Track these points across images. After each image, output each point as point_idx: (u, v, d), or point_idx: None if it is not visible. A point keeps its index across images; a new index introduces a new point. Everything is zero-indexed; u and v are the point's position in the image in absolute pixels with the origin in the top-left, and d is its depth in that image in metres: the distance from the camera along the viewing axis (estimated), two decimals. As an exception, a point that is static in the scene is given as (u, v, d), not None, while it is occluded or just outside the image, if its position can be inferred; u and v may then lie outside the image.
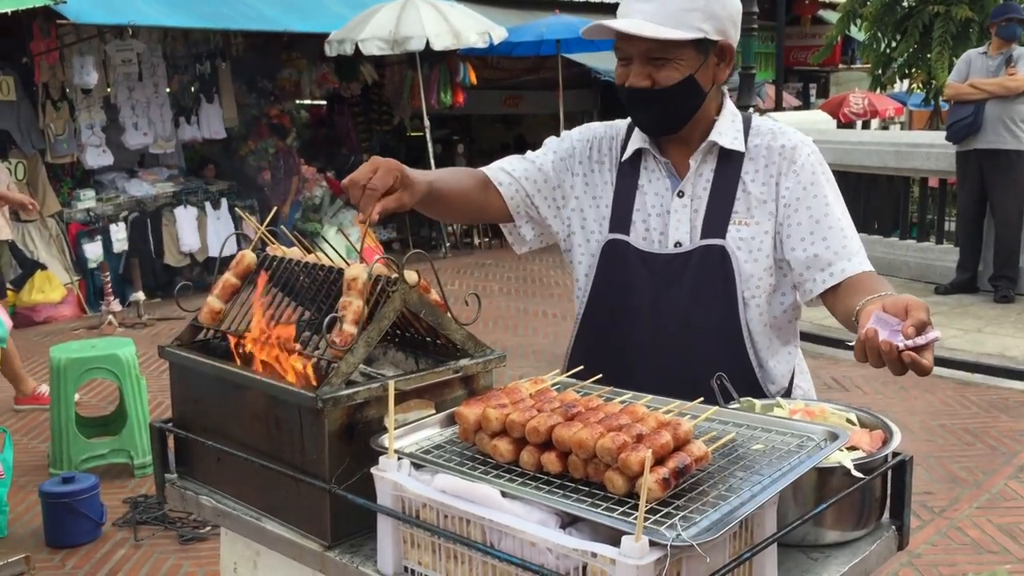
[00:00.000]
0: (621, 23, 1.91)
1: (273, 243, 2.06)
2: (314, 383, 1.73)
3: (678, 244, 2.04)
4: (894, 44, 13.10)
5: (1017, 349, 6.54)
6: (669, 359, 2.03)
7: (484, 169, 2.20)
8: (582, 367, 1.89)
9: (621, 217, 2.10)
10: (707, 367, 1.91)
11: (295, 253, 2.01)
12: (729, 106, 2.09)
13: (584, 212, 2.16)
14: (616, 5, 2.03)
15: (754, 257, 2.01)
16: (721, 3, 1.95)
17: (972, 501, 4.45)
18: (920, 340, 1.50)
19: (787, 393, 2.09)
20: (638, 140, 2.11)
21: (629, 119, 2.18)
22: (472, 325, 1.89)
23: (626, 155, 2.13)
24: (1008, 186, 7.69)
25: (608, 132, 2.20)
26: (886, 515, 1.70)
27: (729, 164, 2.04)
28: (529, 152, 2.24)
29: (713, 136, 2.04)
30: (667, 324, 2.03)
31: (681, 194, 2.06)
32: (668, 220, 2.06)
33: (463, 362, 1.83)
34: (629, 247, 2.08)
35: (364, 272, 1.74)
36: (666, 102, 1.99)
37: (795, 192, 2.00)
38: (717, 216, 2.02)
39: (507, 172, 2.18)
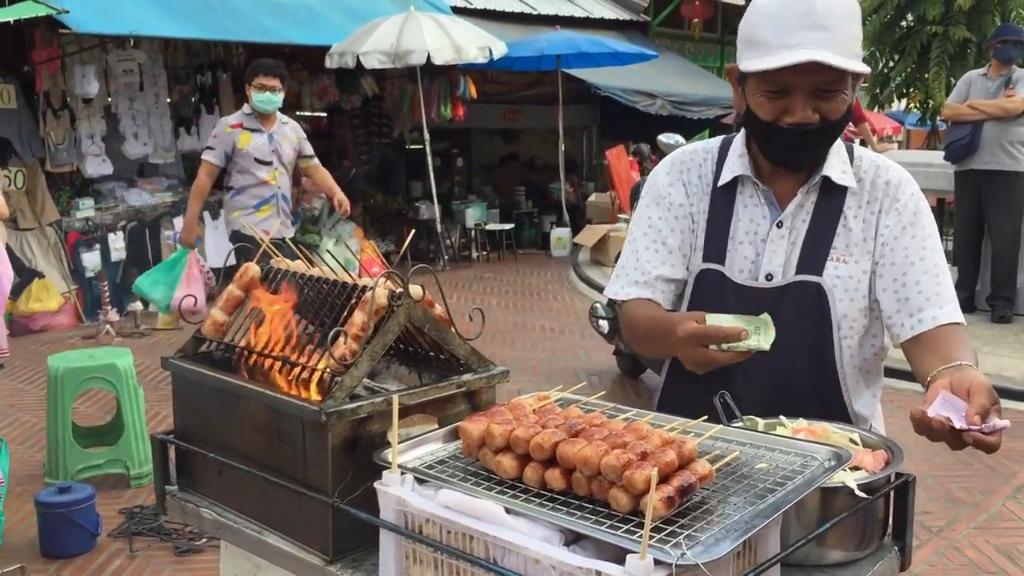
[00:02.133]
0: (816, 51, 1.76)
1: (277, 255, 2.07)
2: (318, 396, 1.73)
3: (769, 276, 1.96)
4: (892, 64, 13.17)
5: (1015, 369, 6.56)
6: (759, 398, 1.91)
7: (636, 296, 2.05)
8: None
9: (716, 246, 2.00)
10: (800, 410, 1.84)
11: (299, 266, 2.01)
12: None
13: (693, 237, 2.06)
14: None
15: (851, 297, 1.94)
16: (860, 24, 1.89)
17: (970, 521, 4.44)
18: (985, 428, 1.50)
19: None
20: (738, 167, 2.00)
21: (720, 140, 2.08)
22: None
23: (722, 181, 2.02)
24: (1005, 207, 7.72)
25: (695, 159, 2.08)
26: (888, 535, 1.70)
27: (831, 197, 1.96)
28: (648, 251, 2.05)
29: (826, 170, 1.95)
30: (760, 366, 1.88)
31: (780, 224, 1.96)
32: (762, 249, 1.97)
33: (467, 377, 1.83)
34: (725, 279, 1.99)
35: (384, 297, 1.74)
36: (829, 136, 1.90)
37: (894, 231, 1.93)
38: (815, 251, 1.94)
39: (662, 285, 2.04)
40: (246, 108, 6.20)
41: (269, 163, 6.18)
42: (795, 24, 1.78)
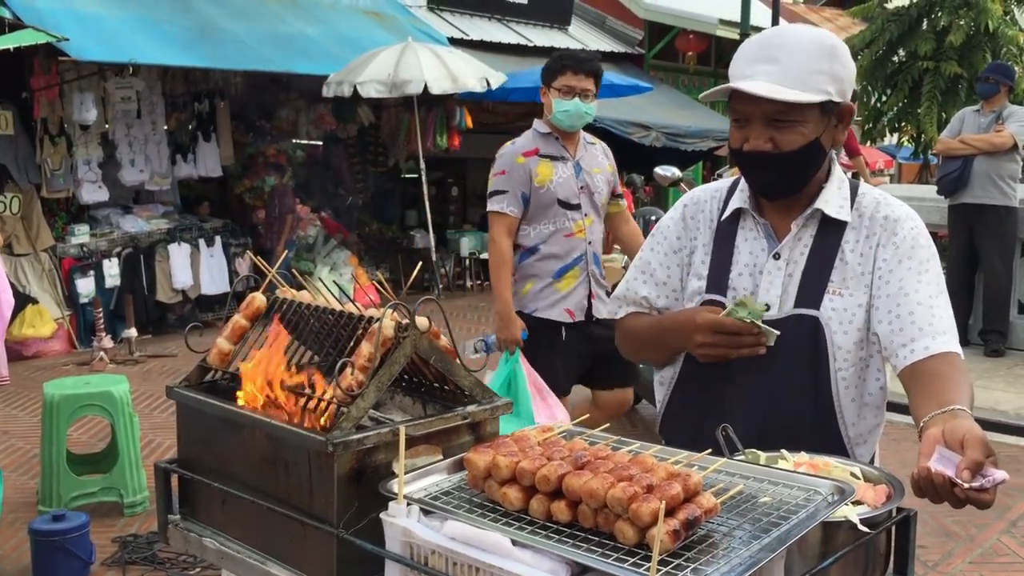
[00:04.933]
0: (749, 85, 1.87)
1: (283, 286, 2.08)
2: (324, 427, 1.74)
3: (766, 307, 2.00)
4: (884, 98, 13.31)
5: (1008, 403, 6.58)
6: (756, 427, 1.95)
7: (629, 312, 2.26)
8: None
9: (718, 278, 2.08)
10: (796, 439, 1.87)
11: (305, 296, 2.03)
12: (837, 172, 2.05)
13: (690, 269, 2.14)
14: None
15: (844, 329, 1.98)
16: (843, 64, 1.93)
17: (965, 556, 4.44)
18: (986, 484, 1.50)
19: None
20: (738, 200, 2.09)
21: (733, 180, 2.16)
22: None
23: (725, 215, 2.11)
24: (996, 241, 7.78)
25: (704, 197, 2.18)
26: (890, 570, 1.71)
27: (830, 232, 2.01)
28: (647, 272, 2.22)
29: (819, 204, 2.00)
30: (755, 395, 1.98)
31: (777, 256, 2.03)
32: (759, 280, 2.03)
33: (471, 408, 1.85)
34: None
35: (391, 328, 1.76)
36: (787, 166, 1.95)
37: (890, 264, 1.97)
38: (812, 285, 1.99)
39: (647, 305, 2.22)
40: (539, 125, 4.18)
41: (576, 206, 4.14)
42: (752, 57, 1.92)
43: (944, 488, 1.54)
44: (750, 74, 1.89)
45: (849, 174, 11.33)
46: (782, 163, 1.94)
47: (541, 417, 3.74)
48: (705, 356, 2.01)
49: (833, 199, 2.02)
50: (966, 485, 1.51)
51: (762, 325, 1.92)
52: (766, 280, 2.02)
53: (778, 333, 1.92)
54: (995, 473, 1.52)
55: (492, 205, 4.13)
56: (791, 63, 1.88)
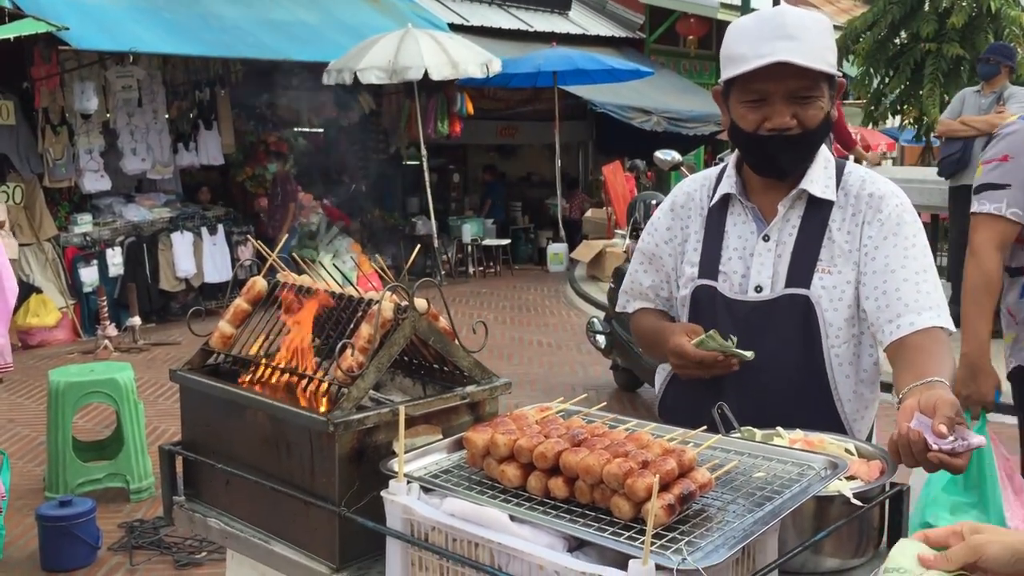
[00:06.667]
0: (785, 55, 1.86)
1: (284, 270, 2.10)
2: (325, 407, 1.77)
3: (759, 288, 2.03)
4: (886, 80, 13.26)
5: (1007, 384, 6.58)
6: (752, 406, 1.97)
7: (638, 307, 2.31)
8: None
9: (709, 263, 2.11)
10: (792, 417, 1.90)
11: (305, 280, 2.05)
12: (823, 152, 2.06)
13: (683, 257, 2.18)
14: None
15: (835, 307, 2.00)
16: (834, 41, 1.98)
17: (964, 534, 4.46)
18: (958, 448, 1.54)
19: None
20: (726, 185, 2.11)
21: (721, 166, 2.18)
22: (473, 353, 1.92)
23: (713, 201, 2.14)
24: (997, 222, 7.76)
25: (693, 186, 2.22)
26: (883, 544, 1.74)
27: (817, 211, 2.03)
28: (640, 260, 2.28)
29: (804, 184, 2.02)
30: (751, 375, 2.00)
31: (767, 238, 2.05)
32: (750, 263, 2.05)
33: (470, 389, 1.87)
34: (717, 294, 2.08)
35: (390, 310, 1.78)
36: (809, 143, 1.97)
37: (876, 240, 1.99)
38: (802, 264, 2.01)
39: (653, 295, 2.27)
40: None
41: None
42: (768, 36, 1.90)
43: (918, 446, 1.57)
44: (768, 52, 1.87)
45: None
46: (806, 141, 1.96)
47: (1017, 520, 2.70)
48: (680, 374, 2.08)
49: (819, 179, 2.04)
50: (935, 446, 1.55)
51: (734, 351, 1.95)
52: (757, 262, 2.05)
53: (751, 354, 1.94)
54: (971, 438, 1.56)
55: (982, 204, 2.93)
56: (809, 40, 1.90)
